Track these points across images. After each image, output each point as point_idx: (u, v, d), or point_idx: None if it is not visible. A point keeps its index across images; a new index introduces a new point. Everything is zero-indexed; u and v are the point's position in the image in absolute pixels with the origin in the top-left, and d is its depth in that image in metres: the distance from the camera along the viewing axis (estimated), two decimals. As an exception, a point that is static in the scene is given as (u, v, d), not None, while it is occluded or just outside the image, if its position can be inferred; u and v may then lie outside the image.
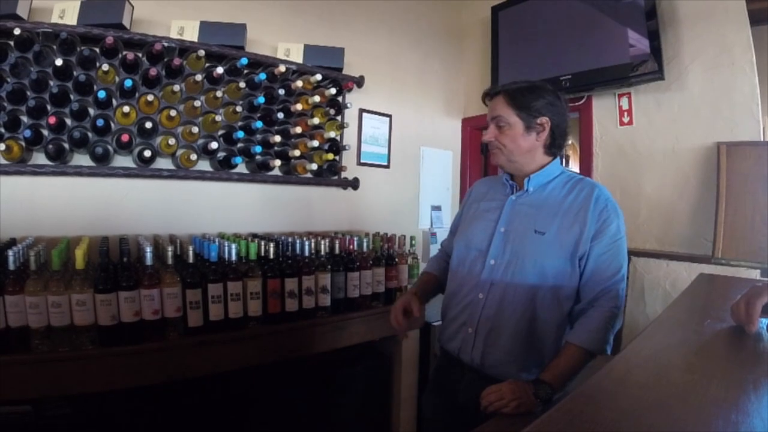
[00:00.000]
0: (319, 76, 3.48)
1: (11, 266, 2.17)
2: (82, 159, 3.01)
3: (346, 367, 3.32)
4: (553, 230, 2.02)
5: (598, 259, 1.98)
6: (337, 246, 3.13)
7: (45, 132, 2.83)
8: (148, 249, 2.42)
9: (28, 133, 2.71)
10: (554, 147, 2.11)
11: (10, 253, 2.18)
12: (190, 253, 2.56)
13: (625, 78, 3.57)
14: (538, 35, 4.06)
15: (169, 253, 2.49)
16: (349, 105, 3.81)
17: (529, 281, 2.03)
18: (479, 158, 4.89)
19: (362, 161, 4.15)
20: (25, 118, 2.81)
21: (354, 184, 3.97)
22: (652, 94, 3.65)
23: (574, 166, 6.29)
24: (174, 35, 3.21)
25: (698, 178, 3.41)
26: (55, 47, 2.87)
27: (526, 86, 2.09)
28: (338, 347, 2.98)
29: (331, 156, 3.71)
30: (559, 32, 3.92)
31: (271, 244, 2.82)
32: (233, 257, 2.63)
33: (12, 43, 2.75)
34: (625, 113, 3.81)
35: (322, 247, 3.01)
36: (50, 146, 2.82)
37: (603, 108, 3.97)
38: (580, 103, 4.04)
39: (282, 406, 3.01)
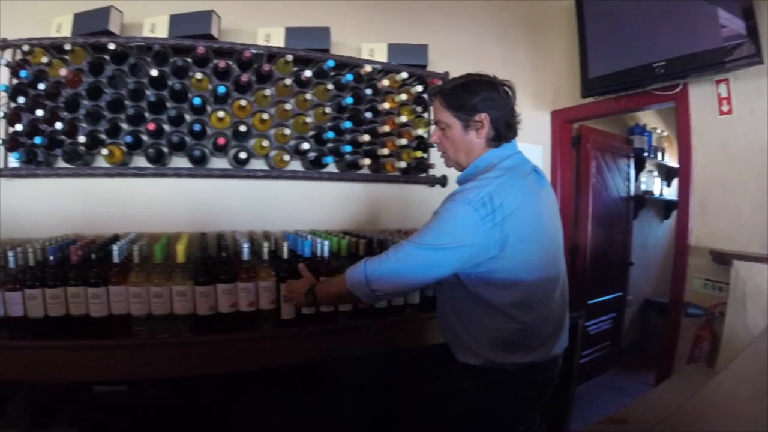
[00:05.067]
0: (404, 75, 3.50)
1: (116, 259, 2.32)
2: (180, 161, 3.18)
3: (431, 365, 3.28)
4: None
5: None
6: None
7: (144, 137, 3.00)
8: (245, 245, 2.50)
9: (129, 138, 2.90)
10: (500, 139, 2.07)
11: (115, 247, 2.33)
12: (285, 248, 2.63)
13: (721, 63, 3.27)
14: (627, 19, 3.85)
15: (265, 249, 2.56)
16: (436, 102, 3.76)
17: None
18: (570, 152, 4.74)
19: (451, 158, 4.06)
20: (124, 125, 2.99)
21: (442, 181, 3.95)
22: (752, 80, 3.30)
23: (672, 161, 6.11)
24: (261, 42, 3.32)
25: (809, 172, 3.18)
26: (148, 59, 3.02)
27: (460, 84, 2.08)
28: (424, 345, 2.93)
29: (419, 153, 3.70)
30: (648, 15, 3.68)
31: (362, 241, 2.84)
32: (326, 253, 2.66)
33: (108, 57, 2.93)
34: (724, 101, 3.47)
35: (412, 245, 2.99)
36: (150, 150, 3.00)
37: (700, 96, 3.63)
38: (675, 91, 3.73)
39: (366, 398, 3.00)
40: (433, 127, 2.24)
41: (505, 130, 2.04)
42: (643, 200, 5.92)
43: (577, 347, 3.41)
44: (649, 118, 6.06)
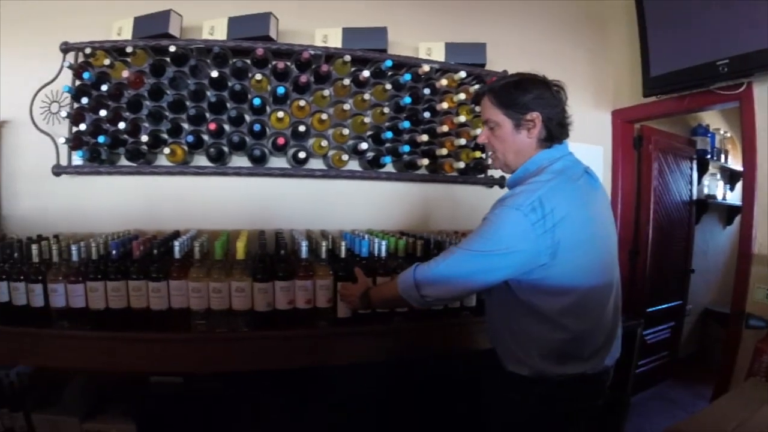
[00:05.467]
0: (463, 74, 3.45)
1: (177, 255, 2.40)
2: (240, 160, 3.26)
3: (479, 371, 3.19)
4: None
5: None
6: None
7: (205, 137, 3.07)
8: (304, 243, 2.52)
9: (190, 138, 2.96)
10: (551, 140, 1.99)
11: (176, 243, 2.41)
12: (343, 248, 2.64)
13: (782, 62, 3.17)
14: (688, 15, 3.69)
15: (323, 248, 2.58)
16: (494, 101, 3.70)
17: None
18: (632, 154, 4.63)
19: (509, 158, 3.99)
20: (186, 125, 3.06)
21: (500, 182, 3.86)
22: (816, 78, 3.22)
23: (736, 164, 5.94)
24: (319, 43, 3.34)
25: None
26: (208, 61, 3.08)
27: (512, 82, 2.00)
28: (477, 349, 2.84)
29: (478, 154, 3.64)
30: (710, 11, 3.53)
31: (420, 242, 2.83)
32: (383, 253, 2.65)
33: (168, 59, 3.01)
34: (788, 101, 3.38)
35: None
36: (211, 149, 3.08)
37: (765, 96, 3.46)
38: (739, 90, 3.56)
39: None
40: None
41: (557, 130, 1.98)
42: (705, 205, 5.71)
43: (634, 357, 3.33)
44: (712, 118, 5.87)
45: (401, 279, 2.06)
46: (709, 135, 5.59)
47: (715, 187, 5.87)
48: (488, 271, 1.86)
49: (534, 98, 1.92)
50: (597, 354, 1.97)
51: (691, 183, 5.34)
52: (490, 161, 3.67)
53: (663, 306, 5.06)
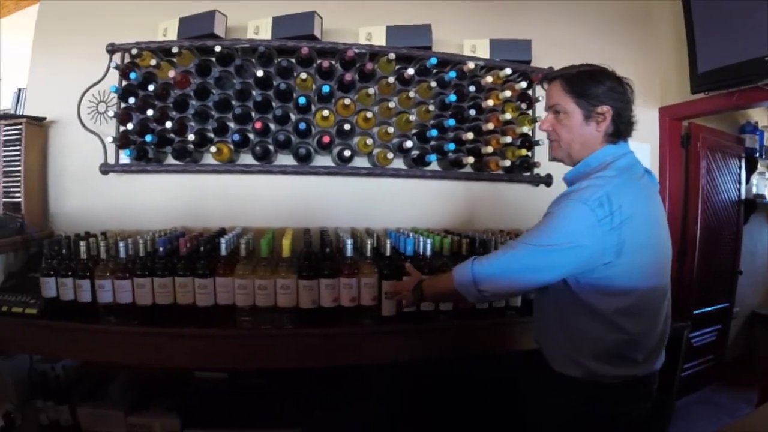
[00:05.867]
0: (508, 71, 3.39)
1: (223, 252, 2.44)
2: (285, 159, 3.28)
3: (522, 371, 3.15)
4: None
5: None
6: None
7: (251, 135, 3.10)
8: (349, 241, 2.53)
9: (236, 137, 3.01)
10: (617, 136, 1.93)
11: (223, 240, 2.45)
12: (388, 246, 2.63)
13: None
14: (736, 10, 3.60)
15: (368, 246, 2.59)
16: (540, 98, 3.63)
17: None
18: (679, 151, 4.49)
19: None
20: (231, 124, 3.09)
21: (547, 180, 3.82)
22: None
23: (783, 162, 5.79)
24: (363, 41, 3.34)
25: None
26: (253, 60, 3.11)
27: (586, 71, 1.93)
28: (521, 350, 2.77)
29: (523, 152, 3.58)
30: (758, 5, 3.42)
31: (465, 240, 2.81)
32: (428, 252, 2.63)
33: (214, 59, 3.05)
34: (836, 98, 3.29)
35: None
36: (257, 148, 3.10)
37: None
38: None
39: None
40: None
41: (624, 126, 1.93)
42: (753, 204, 5.54)
43: (680, 360, 3.27)
44: (760, 115, 5.70)
45: (458, 272, 1.99)
46: (757, 133, 5.44)
47: (764, 186, 5.72)
48: (550, 267, 1.81)
49: (607, 91, 1.88)
50: (649, 357, 1.93)
51: (739, 182, 5.19)
52: (537, 160, 3.63)
53: (709, 308, 4.93)
